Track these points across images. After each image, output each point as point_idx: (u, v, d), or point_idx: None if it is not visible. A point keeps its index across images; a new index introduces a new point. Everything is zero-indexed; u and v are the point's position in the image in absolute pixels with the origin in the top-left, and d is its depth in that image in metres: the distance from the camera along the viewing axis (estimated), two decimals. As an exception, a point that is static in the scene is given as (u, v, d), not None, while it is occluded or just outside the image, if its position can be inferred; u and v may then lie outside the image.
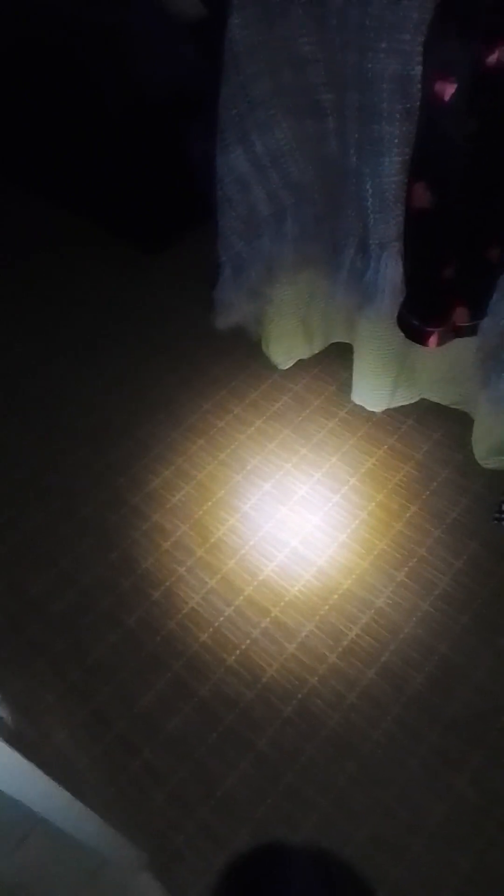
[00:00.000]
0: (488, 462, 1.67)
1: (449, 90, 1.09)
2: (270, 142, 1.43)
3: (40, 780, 1.07)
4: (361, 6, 1.12)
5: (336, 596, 1.53)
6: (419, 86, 1.12)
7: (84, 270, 2.32)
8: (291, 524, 1.66)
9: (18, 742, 1.02)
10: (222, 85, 1.39)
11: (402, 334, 1.52)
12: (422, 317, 1.38)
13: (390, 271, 1.39)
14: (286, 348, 1.89)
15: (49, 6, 2.03)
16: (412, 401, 1.78)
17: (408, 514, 1.64)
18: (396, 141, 1.20)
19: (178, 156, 2.10)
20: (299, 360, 1.95)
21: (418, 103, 1.14)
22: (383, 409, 1.79)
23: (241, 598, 1.56)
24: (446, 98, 1.09)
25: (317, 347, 1.93)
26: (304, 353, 1.93)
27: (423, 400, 1.79)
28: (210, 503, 1.73)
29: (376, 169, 1.26)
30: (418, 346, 1.44)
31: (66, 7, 2.02)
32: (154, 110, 2.07)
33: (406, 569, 1.55)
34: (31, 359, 2.10)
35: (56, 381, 2.03)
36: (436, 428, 1.76)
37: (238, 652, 1.48)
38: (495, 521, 1.61)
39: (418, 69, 1.11)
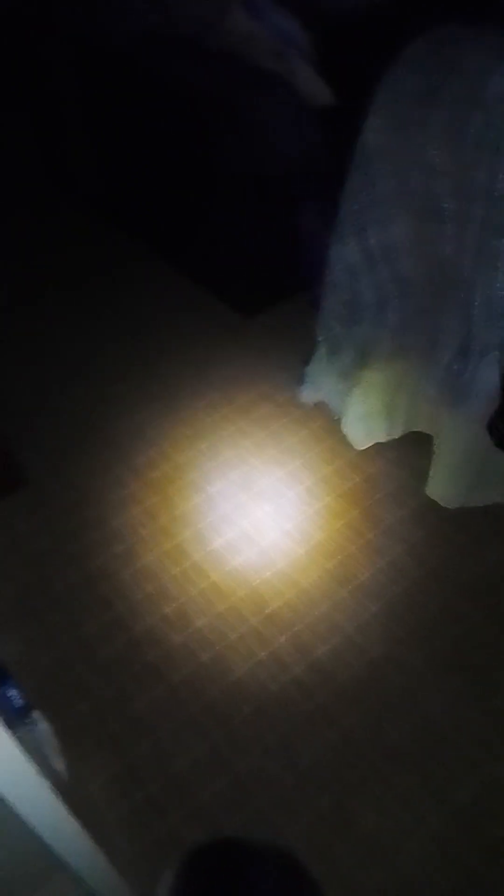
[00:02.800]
0: None
1: None
2: (385, 238, 1.48)
3: (72, 827, 1.07)
4: (501, 129, 1.16)
5: (383, 689, 1.50)
6: (547, 211, 1.15)
7: (177, 324, 2.40)
8: (347, 609, 1.65)
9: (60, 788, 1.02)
10: (348, 179, 1.46)
11: (489, 438, 1.52)
12: (515, 428, 1.38)
13: (488, 377, 1.40)
14: (367, 430, 1.91)
15: (179, 79, 2.17)
16: (488, 503, 1.76)
17: (472, 620, 1.60)
18: (515, 258, 1.22)
19: (285, 228, 2.18)
20: (377, 443, 1.96)
21: (543, 227, 1.17)
22: (457, 506, 1.77)
23: (289, 677, 1.54)
24: None
25: (397, 433, 1.94)
26: (384, 436, 1.94)
27: (498, 504, 1.77)
28: (269, 573, 1.73)
29: (489, 281, 1.29)
30: (505, 453, 1.43)
31: (196, 81, 2.15)
32: (269, 184, 2.16)
33: (462, 675, 1.52)
34: (117, 401, 2.17)
35: (135, 426, 2.09)
36: (508, 533, 1.74)
37: (280, 733, 1.46)
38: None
39: (548, 196, 1.14)
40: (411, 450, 1.93)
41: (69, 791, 1.34)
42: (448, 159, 1.27)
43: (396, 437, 1.96)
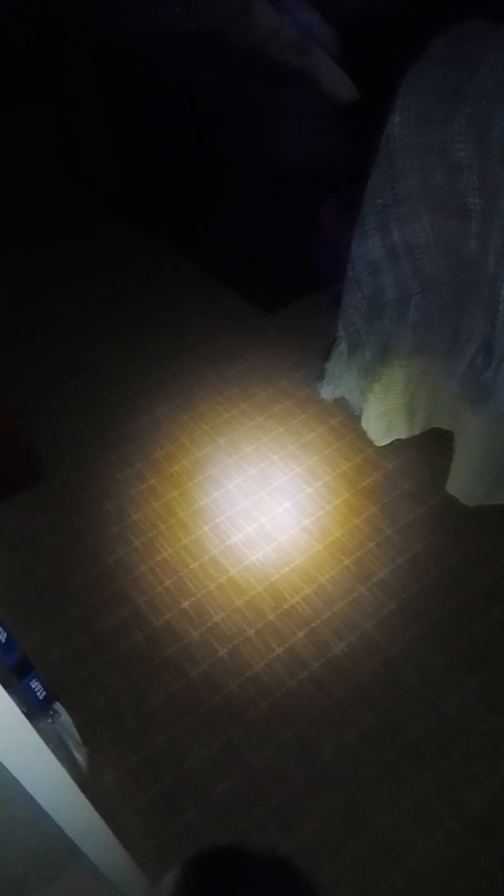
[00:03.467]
0: None
1: None
2: (409, 234, 1.46)
3: (92, 818, 1.07)
4: (527, 125, 1.15)
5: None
6: None
7: (196, 320, 2.40)
8: (365, 606, 1.64)
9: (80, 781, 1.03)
10: (371, 174, 1.45)
11: (511, 436, 1.50)
12: (539, 427, 1.36)
13: (511, 375, 1.39)
14: (386, 426, 1.90)
15: (200, 75, 2.16)
16: (508, 501, 1.75)
17: (490, 619, 1.59)
18: (541, 255, 1.21)
19: (306, 224, 2.17)
20: (397, 440, 1.95)
21: None
22: (478, 504, 1.76)
23: (306, 673, 1.54)
24: None
25: (417, 430, 1.93)
26: (404, 433, 1.93)
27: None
28: (287, 569, 1.73)
29: (515, 277, 1.27)
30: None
31: (218, 77, 2.14)
32: (291, 180, 2.15)
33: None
34: (135, 397, 2.17)
35: (154, 421, 2.09)
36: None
37: (295, 729, 1.46)
38: None
39: None
40: (431, 447, 1.92)
41: (86, 783, 1.36)
42: (473, 155, 1.25)
43: (417, 434, 1.95)
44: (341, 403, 2.00)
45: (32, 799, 0.81)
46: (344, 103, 2.17)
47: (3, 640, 1.02)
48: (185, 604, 1.68)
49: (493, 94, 1.21)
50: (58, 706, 1.00)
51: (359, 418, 1.95)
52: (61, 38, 2.63)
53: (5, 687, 0.68)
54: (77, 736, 1.08)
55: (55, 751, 0.78)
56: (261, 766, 1.42)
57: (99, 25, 2.45)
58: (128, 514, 1.87)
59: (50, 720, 1.00)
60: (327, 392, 1.84)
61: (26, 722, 0.70)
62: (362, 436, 1.96)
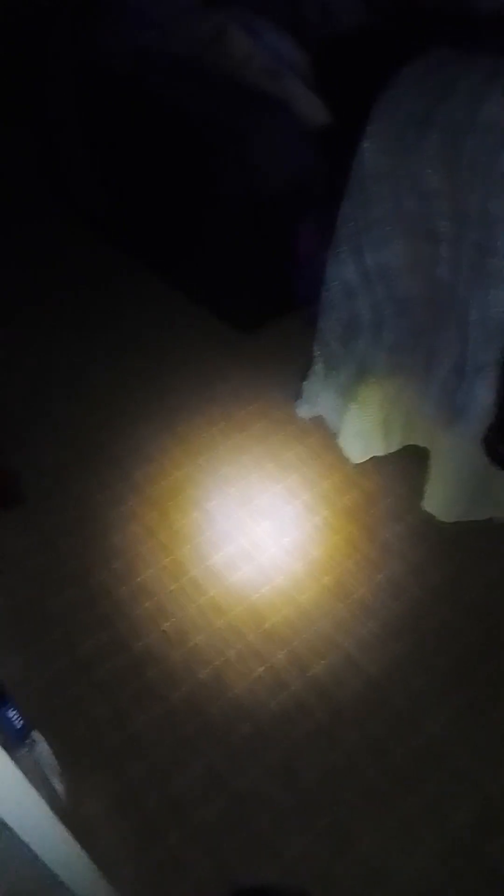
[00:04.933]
0: None
1: None
2: (381, 258, 1.49)
3: (72, 849, 1.06)
4: (494, 153, 1.18)
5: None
6: (540, 233, 1.16)
7: (175, 341, 2.41)
8: (345, 625, 1.65)
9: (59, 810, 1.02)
10: (344, 200, 1.48)
11: (484, 454, 1.53)
12: (511, 445, 1.38)
13: (483, 395, 1.41)
14: (363, 444, 1.92)
15: (176, 99, 2.19)
16: (485, 518, 1.76)
17: (471, 636, 1.60)
18: (509, 278, 1.24)
19: (283, 245, 2.20)
20: (374, 457, 1.96)
21: (536, 248, 1.18)
22: (454, 520, 1.78)
23: (287, 694, 1.54)
24: None
25: (394, 447, 1.95)
26: (381, 450, 1.95)
27: (497, 520, 1.77)
28: (267, 589, 1.73)
29: (484, 300, 1.30)
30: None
31: (193, 101, 2.17)
32: (267, 202, 2.17)
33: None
34: (115, 418, 2.17)
35: (133, 443, 2.09)
36: (505, 549, 1.74)
37: (278, 751, 1.46)
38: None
39: (540, 218, 1.15)
40: (408, 464, 1.93)
41: (68, 812, 1.34)
42: (442, 182, 1.29)
43: (393, 452, 1.96)
44: (319, 422, 2.02)
45: (10, 829, 0.80)
46: (318, 127, 2.21)
47: (-19, 670, 1.01)
48: (165, 625, 1.67)
49: (461, 121, 1.24)
50: (35, 735, 0.99)
51: (336, 437, 1.97)
52: (43, 59, 2.65)
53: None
54: (55, 764, 1.07)
55: (33, 781, 0.77)
56: (244, 789, 1.41)
57: (78, 48, 2.48)
58: (107, 536, 1.87)
59: (27, 749, 0.99)
60: (305, 411, 1.86)
61: (3, 753, 0.70)
62: (340, 455, 1.97)
